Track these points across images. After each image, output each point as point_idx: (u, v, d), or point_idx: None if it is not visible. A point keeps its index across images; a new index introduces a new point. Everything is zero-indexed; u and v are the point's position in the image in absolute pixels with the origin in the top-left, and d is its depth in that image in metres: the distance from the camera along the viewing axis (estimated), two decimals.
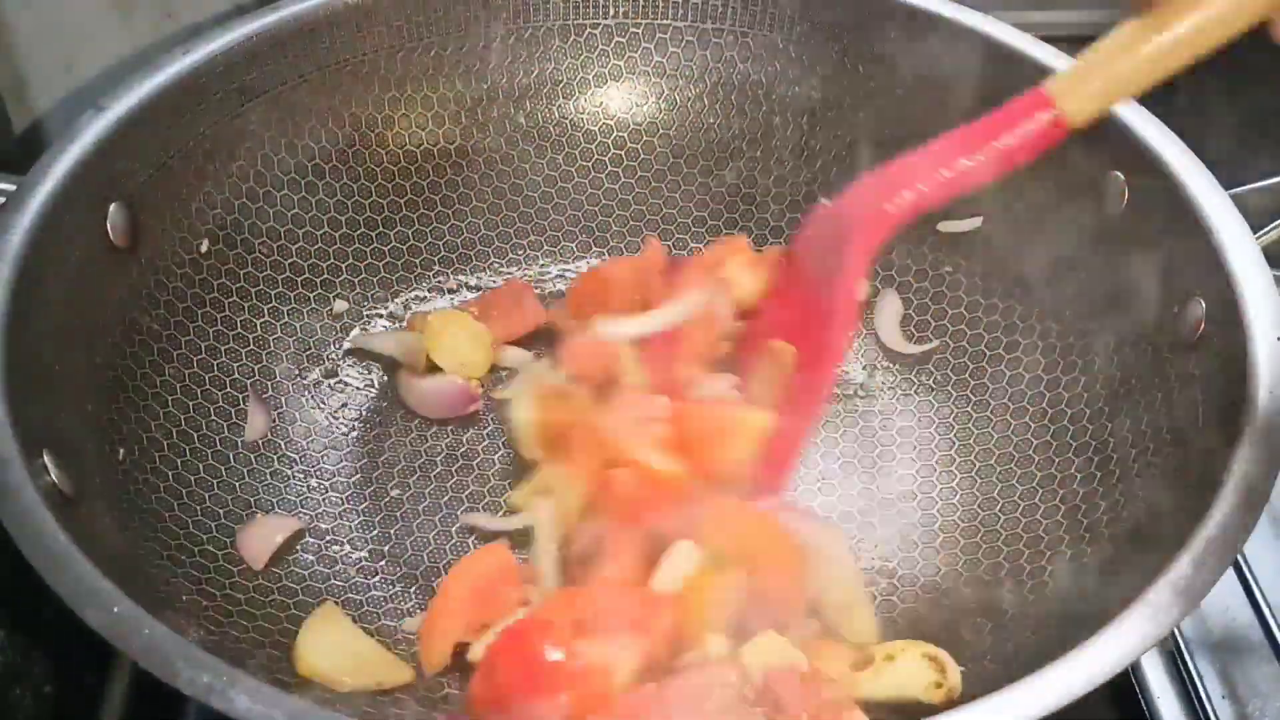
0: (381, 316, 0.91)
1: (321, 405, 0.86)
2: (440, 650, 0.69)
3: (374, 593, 0.76)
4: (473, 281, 0.94)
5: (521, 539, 0.77)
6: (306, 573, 0.76)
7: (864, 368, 0.90)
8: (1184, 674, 0.72)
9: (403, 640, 0.73)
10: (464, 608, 0.70)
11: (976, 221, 0.88)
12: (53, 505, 0.58)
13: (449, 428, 0.86)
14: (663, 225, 0.96)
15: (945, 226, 0.89)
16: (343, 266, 0.90)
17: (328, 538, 0.79)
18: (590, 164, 0.95)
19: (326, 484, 0.81)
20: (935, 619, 0.73)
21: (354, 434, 0.85)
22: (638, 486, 0.71)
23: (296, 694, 0.53)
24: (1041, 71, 0.80)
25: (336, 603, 0.73)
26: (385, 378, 0.88)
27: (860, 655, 0.68)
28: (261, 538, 0.76)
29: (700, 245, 0.95)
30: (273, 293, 0.86)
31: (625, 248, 0.95)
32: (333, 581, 0.76)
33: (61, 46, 1.02)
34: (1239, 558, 0.72)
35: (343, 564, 0.77)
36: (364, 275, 0.91)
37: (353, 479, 0.82)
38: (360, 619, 0.73)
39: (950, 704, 0.60)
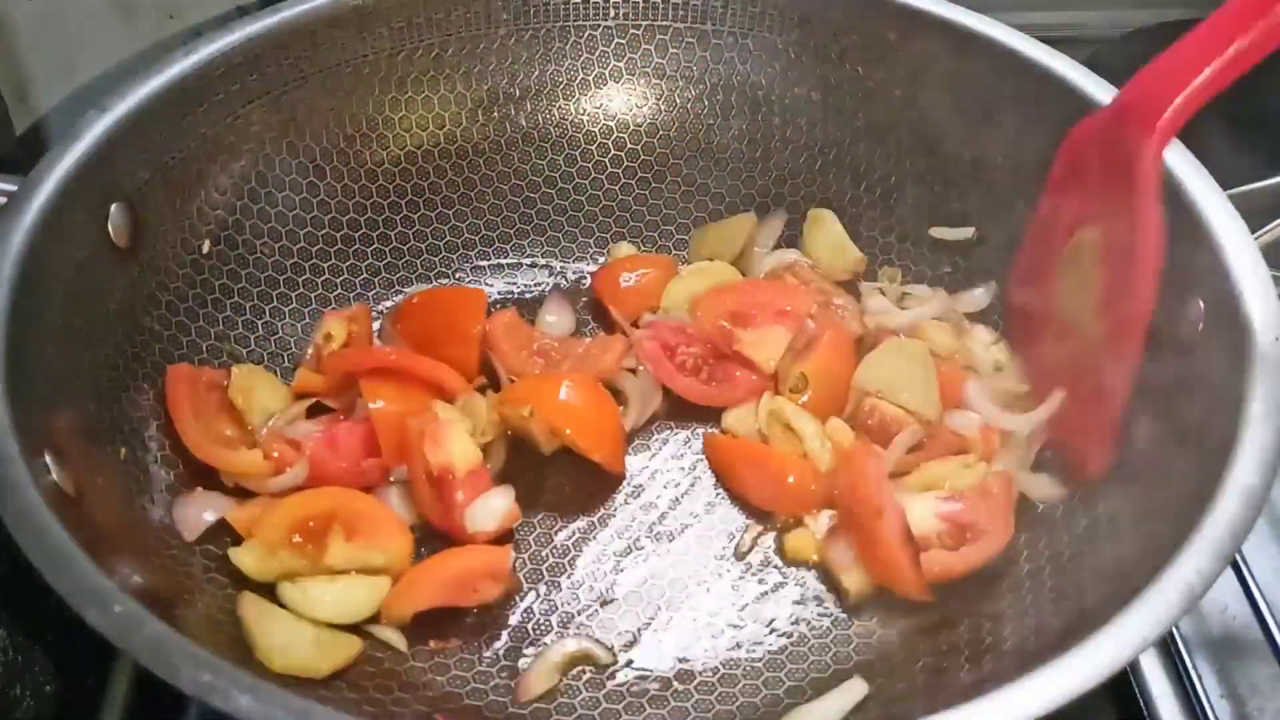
0: (382, 315, 0.91)
1: None
2: (401, 615, 0.72)
3: None
4: (472, 281, 0.94)
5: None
6: None
7: None
8: (1182, 673, 0.72)
9: None
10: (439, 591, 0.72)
11: (968, 232, 0.88)
12: (54, 505, 0.58)
13: None
14: (662, 226, 0.96)
15: (938, 233, 0.89)
16: (343, 267, 0.90)
17: None
18: (590, 164, 0.95)
19: None
20: (935, 620, 0.73)
21: None
22: None
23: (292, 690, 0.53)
24: (1040, 72, 0.80)
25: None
26: None
27: None
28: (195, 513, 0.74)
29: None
30: (273, 293, 0.86)
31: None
32: None
33: (63, 47, 1.03)
34: (1237, 557, 0.72)
35: None
36: (364, 275, 0.91)
37: None
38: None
39: None
